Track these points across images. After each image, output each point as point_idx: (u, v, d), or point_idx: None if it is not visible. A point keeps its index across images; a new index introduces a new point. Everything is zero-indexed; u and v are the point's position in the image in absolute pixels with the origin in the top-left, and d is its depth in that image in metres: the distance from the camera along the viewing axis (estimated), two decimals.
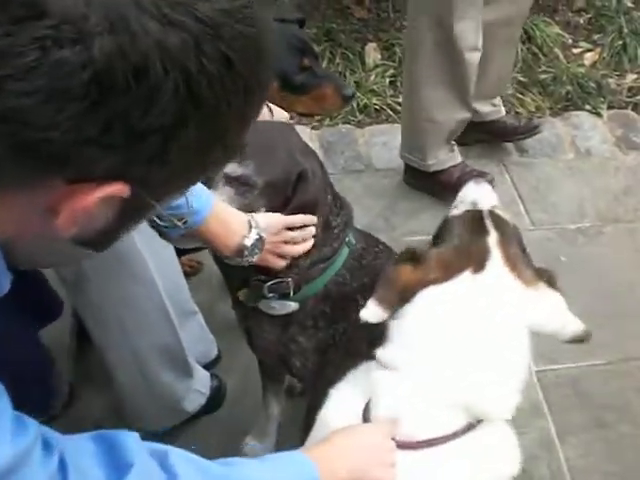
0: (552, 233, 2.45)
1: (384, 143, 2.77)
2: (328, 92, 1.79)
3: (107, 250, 1.43)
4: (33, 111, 0.55)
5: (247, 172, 1.23)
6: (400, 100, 2.78)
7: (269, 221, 1.26)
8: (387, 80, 2.97)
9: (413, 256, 1.05)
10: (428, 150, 2.44)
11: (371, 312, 1.04)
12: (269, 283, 1.34)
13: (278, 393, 1.76)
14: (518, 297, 1.02)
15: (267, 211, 1.28)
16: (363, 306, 1.38)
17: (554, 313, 1.02)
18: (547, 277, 1.04)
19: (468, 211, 1.13)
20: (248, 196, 1.24)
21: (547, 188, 2.60)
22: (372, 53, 3.07)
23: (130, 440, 0.82)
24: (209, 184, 1.23)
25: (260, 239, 1.24)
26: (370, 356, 1.06)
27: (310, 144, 2.66)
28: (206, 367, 1.92)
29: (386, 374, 1.01)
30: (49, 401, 1.85)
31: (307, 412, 1.57)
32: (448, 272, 1.02)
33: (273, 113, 1.54)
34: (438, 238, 1.13)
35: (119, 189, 0.61)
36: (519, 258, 1.05)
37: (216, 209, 1.21)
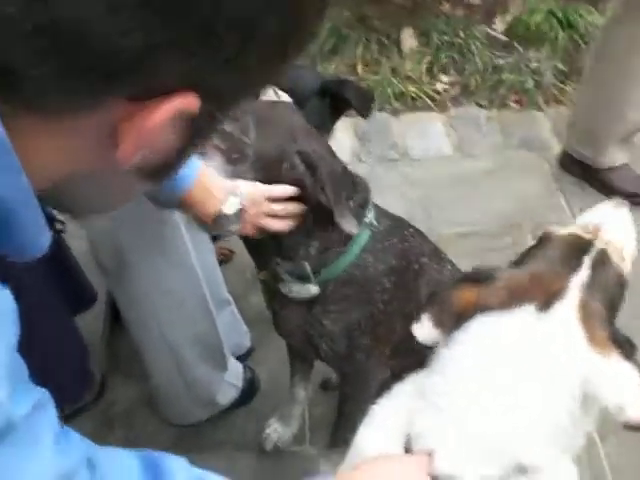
0: None
1: (420, 132, 2.75)
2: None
3: (151, 236, 1.48)
4: (95, 19, 0.48)
5: (246, 140, 1.22)
6: (437, 87, 2.76)
7: (252, 190, 1.24)
8: (424, 67, 2.95)
9: (479, 276, 0.92)
10: (606, 146, 2.42)
11: (426, 332, 0.93)
12: (285, 267, 1.35)
13: (306, 376, 1.77)
14: (578, 357, 0.85)
15: None
16: (387, 289, 1.38)
17: (616, 391, 0.83)
18: (627, 347, 0.86)
19: (574, 235, 0.94)
20: (238, 167, 1.23)
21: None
22: (408, 39, 3.04)
23: (178, 469, 0.76)
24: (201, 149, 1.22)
25: (241, 208, 1.23)
26: (418, 362, 0.98)
27: (344, 132, 2.70)
28: (239, 359, 1.93)
29: (427, 406, 0.91)
30: (82, 390, 1.87)
31: (339, 402, 1.60)
32: (511, 299, 0.87)
33: (279, 95, 1.53)
34: (527, 255, 0.96)
35: (190, 102, 0.54)
36: (598, 314, 0.87)
37: (201, 175, 1.19)
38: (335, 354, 1.46)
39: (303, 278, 1.36)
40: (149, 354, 1.69)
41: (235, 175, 1.24)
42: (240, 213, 1.23)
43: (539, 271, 0.90)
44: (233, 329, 1.92)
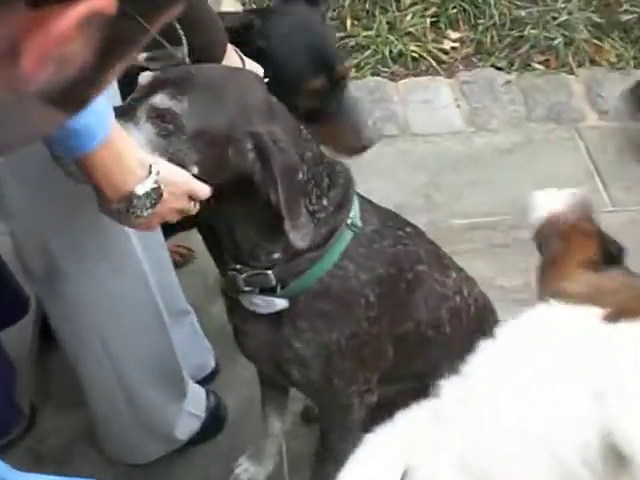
0: (637, 214, 2.43)
1: (424, 101, 2.73)
2: (340, 132, 1.68)
3: (88, 235, 1.45)
4: None
5: (178, 109, 1.20)
6: (445, 46, 2.75)
7: (173, 177, 1.21)
8: (427, 21, 2.93)
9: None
10: None
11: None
12: (244, 275, 1.35)
13: (281, 404, 1.78)
14: (624, 400, 0.84)
15: (197, 172, 1.24)
16: (372, 303, 1.41)
17: None
18: None
19: None
20: (172, 141, 1.21)
21: (631, 159, 2.57)
22: None
23: None
24: (129, 112, 1.20)
25: (157, 189, 1.19)
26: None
27: None
28: (201, 383, 1.91)
29: (437, 427, 0.92)
30: (9, 423, 1.86)
31: (320, 434, 1.61)
32: (584, 297, 0.91)
33: (245, 64, 1.50)
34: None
35: (103, 2, 0.54)
36: None
37: (113, 137, 1.15)
38: (309, 382, 1.46)
39: (267, 289, 1.36)
40: (88, 376, 1.68)
41: (165, 151, 1.21)
42: (157, 197, 1.19)
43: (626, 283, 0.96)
44: (193, 346, 1.91)
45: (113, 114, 1.16)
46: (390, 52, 2.83)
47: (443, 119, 2.59)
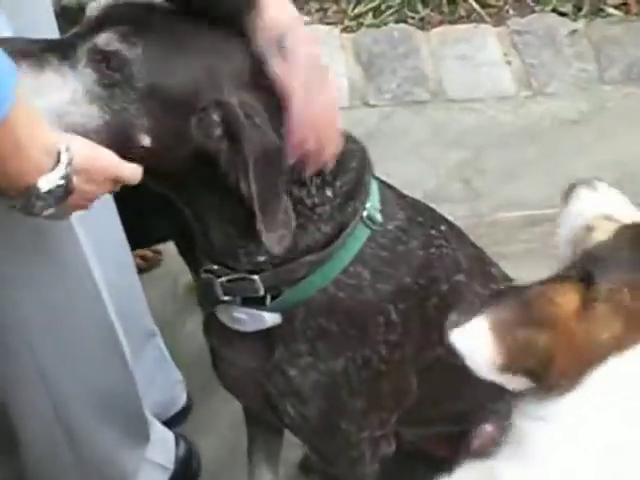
0: None
1: (463, 56, 2.76)
2: None
3: (26, 238, 1.43)
4: None
5: (129, 54, 1.21)
6: None
7: (94, 161, 1.22)
8: None
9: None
10: None
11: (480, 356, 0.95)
12: (222, 279, 1.36)
13: (272, 452, 1.78)
14: None
15: (148, 143, 1.24)
16: (393, 323, 1.38)
17: None
18: None
19: None
20: (117, 95, 1.21)
21: None
22: None
23: None
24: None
25: (65, 185, 1.20)
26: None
27: (342, 55, 2.68)
28: (169, 424, 1.93)
29: None
30: None
31: None
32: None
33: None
34: None
35: None
36: None
37: (18, 111, 1.13)
38: (306, 422, 1.46)
39: (252, 300, 1.37)
40: (20, 410, 1.67)
41: (107, 107, 1.22)
42: (64, 193, 1.21)
43: None
44: (159, 376, 1.93)
45: (15, 81, 1.13)
46: None
47: (488, 80, 2.62)
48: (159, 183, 1.31)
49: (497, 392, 1.59)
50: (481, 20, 2.85)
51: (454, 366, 1.50)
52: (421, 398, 1.53)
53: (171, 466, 1.88)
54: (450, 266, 1.46)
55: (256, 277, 1.34)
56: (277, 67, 1.27)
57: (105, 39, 1.21)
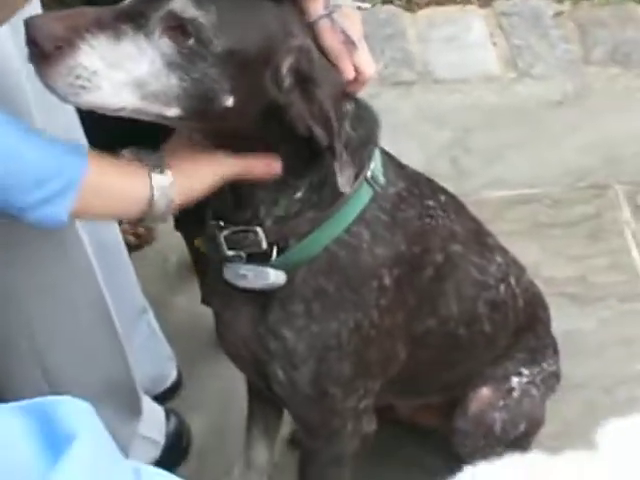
0: None
1: (450, 38, 2.76)
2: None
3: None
4: None
5: (203, 20, 1.19)
6: None
7: (189, 191, 1.27)
8: None
9: None
10: None
11: None
12: (226, 232, 1.36)
13: (272, 428, 1.78)
14: None
15: (231, 103, 1.24)
16: (386, 288, 1.39)
17: None
18: None
19: None
20: (196, 63, 1.20)
21: None
22: None
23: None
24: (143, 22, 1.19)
25: (168, 202, 1.26)
26: None
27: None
28: (159, 399, 1.93)
29: None
30: None
31: (299, 462, 1.61)
32: None
33: None
34: None
35: None
36: None
37: (92, 179, 1.19)
38: (294, 388, 1.45)
39: (255, 256, 1.36)
40: (12, 384, 1.67)
41: (187, 76, 1.20)
42: (169, 204, 1.26)
43: None
44: (150, 352, 1.93)
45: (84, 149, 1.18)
46: None
47: (475, 62, 2.62)
48: (221, 142, 1.30)
49: (492, 357, 1.61)
50: (467, 2, 2.85)
51: (449, 336, 1.52)
52: (416, 368, 1.53)
53: (162, 440, 1.88)
54: (446, 236, 1.46)
55: (259, 229, 1.34)
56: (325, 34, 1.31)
57: (180, 5, 1.17)
